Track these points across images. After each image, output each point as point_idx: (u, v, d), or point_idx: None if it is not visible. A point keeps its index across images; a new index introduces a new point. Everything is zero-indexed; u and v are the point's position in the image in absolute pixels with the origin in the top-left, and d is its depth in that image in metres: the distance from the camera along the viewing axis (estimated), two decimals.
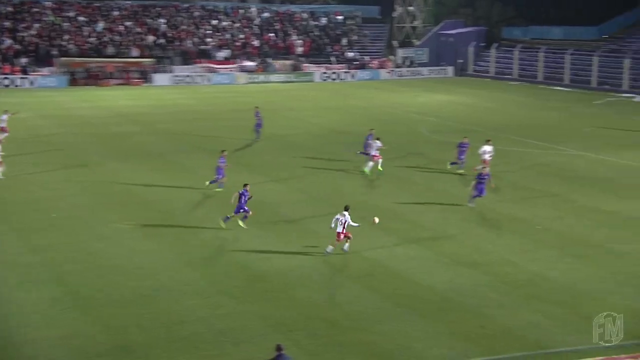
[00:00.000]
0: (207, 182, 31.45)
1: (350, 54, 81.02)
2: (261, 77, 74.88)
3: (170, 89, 68.41)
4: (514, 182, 33.42)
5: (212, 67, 74.52)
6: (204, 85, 71.92)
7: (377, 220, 24.50)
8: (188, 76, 72.95)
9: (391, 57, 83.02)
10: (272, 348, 15.29)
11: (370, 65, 79.93)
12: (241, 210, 26.25)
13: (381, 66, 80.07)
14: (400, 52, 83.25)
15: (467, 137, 35.75)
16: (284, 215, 28.36)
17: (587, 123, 48.88)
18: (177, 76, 72.65)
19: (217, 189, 31.20)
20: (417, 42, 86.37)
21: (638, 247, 24.70)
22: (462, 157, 34.54)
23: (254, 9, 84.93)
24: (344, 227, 23.48)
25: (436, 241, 25.47)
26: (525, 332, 18.57)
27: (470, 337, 18.40)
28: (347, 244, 23.95)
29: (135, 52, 73.64)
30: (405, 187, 32.92)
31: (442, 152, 40.11)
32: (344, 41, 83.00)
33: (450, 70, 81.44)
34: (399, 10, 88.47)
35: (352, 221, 23.58)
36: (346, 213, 23.63)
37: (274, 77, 75.25)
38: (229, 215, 26.38)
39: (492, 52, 80.00)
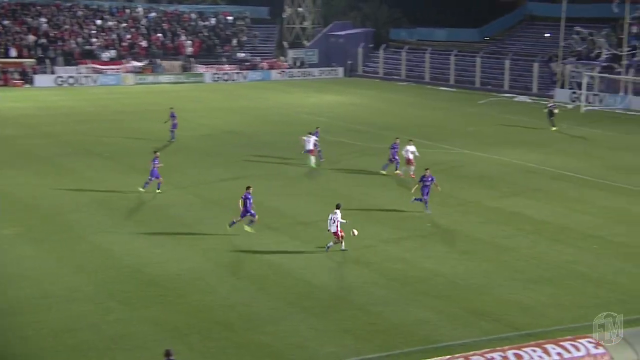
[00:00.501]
0: (140, 188, 30.84)
1: (241, 55, 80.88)
2: (150, 78, 73.66)
3: (53, 91, 66.29)
4: (404, 181, 34.23)
5: (98, 68, 72.71)
6: (89, 87, 70.10)
7: (355, 232, 24.65)
8: (72, 77, 70.92)
9: (282, 58, 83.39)
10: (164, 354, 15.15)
11: (261, 66, 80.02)
12: (247, 214, 25.69)
13: (272, 67, 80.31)
14: (291, 53, 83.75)
15: (399, 137, 36.24)
16: (177, 218, 28.07)
17: (472, 122, 50.59)
18: (60, 77, 70.50)
19: (158, 191, 30.95)
20: (307, 43, 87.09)
21: (521, 241, 25.79)
22: (396, 157, 35.07)
23: (140, 9, 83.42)
24: (337, 226, 24.04)
25: (325, 241, 25.75)
26: (415, 328, 19.11)
27: (361, 334, 18.78)
28: (343, 243, 24.31)
29: (13, 52, 71.02)
30: (296, 187, 33.18)
31: (334, 152, 40.67)
32: (234, 42, 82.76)
33: (340, 71, 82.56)
34: (288, 11, 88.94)
35: (342, 218, 24.15)
36: (337, 211, 24.24)
37: (163, 78, 74.16)
38: (235, 220, 25.86)
39: (381, 53, 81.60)
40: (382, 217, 28.73)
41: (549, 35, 71.90)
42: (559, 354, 13.32)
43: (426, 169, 29.37)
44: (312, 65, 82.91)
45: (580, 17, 69.65)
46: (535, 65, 65.68)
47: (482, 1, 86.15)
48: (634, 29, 60.98)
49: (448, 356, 14.41)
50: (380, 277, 22.48)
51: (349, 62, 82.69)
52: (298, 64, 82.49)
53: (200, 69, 76.77)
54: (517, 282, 22.13)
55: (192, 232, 26.43)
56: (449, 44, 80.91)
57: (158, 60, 76.07)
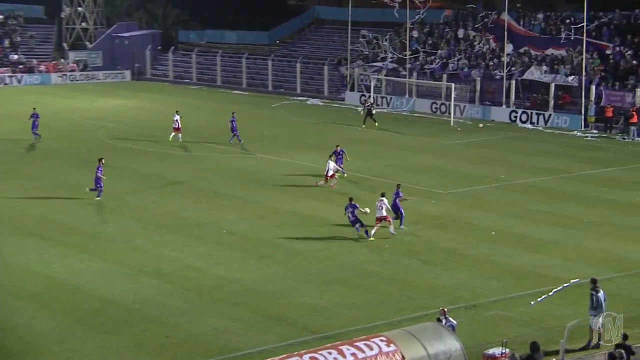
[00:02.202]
0: (95, 196, 30.72)
1: (15, 57, 76.55)
2: None
3: None
4: (200, 187, 34.06)
5: None
6: None
7: (368, 210, 26.67)
8: None
9: (62, 60, 79.94)
10: None
11: (39, 69, 76.22)
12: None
13: (52, 70, 76.74)
14: (72, 55, 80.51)
15: (339, 145, 35.88)
16: None
17: (266, 125, 51.35)
18: None
19: (96, 198, 30.52)
20: (89, 45, 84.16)
21: (313, 244, 26.52)
22: (341, 163, 35.18)
23: None
24: (385, 211, 26.44)
25: (119, 253, 25.16)
26: (211, 338, 19.09)
27: (156, 348, 18.48)
28: (392, 227, 26.72)
29: None
30: (83, 196, 31.97)
31: (122, 158, 39.68)
32: (6, 42, 78.18)
33: (127, 74, 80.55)
34: (67, 10, 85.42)
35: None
36: (384, 198, 26.62)
37: None
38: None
39: (170, 55, 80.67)
40: (175, 224, 28.41)
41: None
42: (353, 354, 13.79)
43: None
44: (96, 69, 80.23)
45: (366, 20, 73.03)
46: (326, 69, 67.87)
47: (271, 4, 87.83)
48: (415, 34, 64.83)
49: None
50: (175, 288, 22.24)
51: (137, 65, 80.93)
52: (81, 66, 79.49)
53: None
54: (312, 284, 22.75)
55: None
56: (240, 46, 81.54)
57: None
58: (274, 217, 29.66)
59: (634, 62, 51.65)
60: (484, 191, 34.07)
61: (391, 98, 60.25)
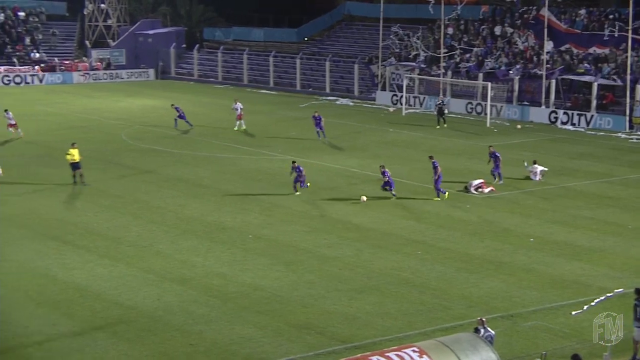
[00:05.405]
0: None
1: (36, 55, 77.50)
2: None
3: None
4: (225, 190, 34.20)
5: None
6: None
7: (364, 198, 29.66)
8: None
9: (84, 58, 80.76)
10: None
11: (61, 67, 77.08)
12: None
13: (74, 68, 77.53)
14: (95, 54, 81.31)
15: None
16: None
17: (294, 127, 51.45)
18: None
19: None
20: (112, 43, 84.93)
21: (343, 250, 26.49)
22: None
23: None
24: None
25: (141, 258, 25.33)
26: (237, 346, 19.13)
27: (180, 357, 18.56)
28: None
29: None
30: (105, 199, 32.27)
31: (146, 160, 39.97)
32: (28, 40, 79.14)
33: (151, 72, 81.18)
34: (89, 7, 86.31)
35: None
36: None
37: None
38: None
39: (195, 53, 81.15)
40: (199, 229, 28.54)
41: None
42: None
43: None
44: (119, 67, 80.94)
45: (398, 17, 72.86)
46: (356, 67, 67.84)
47: (299, 0, 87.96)
48: (450, 30, 64.59)
49: None
50: (199, 294, 22.33)
51: (161, 63, 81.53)
52: (104, 65, 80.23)
53: None
54: (341, 292, 22.71)
55: None
56: (267, 44, 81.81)
57: None
58: (302, 222, 29.67)
59: None
60: (522, 196, 33.82)
61: (424, 98, 60.08)
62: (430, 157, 33.57)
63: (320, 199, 32.97)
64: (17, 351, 18.56)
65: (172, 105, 51.29)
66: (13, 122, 45.61)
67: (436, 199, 32.54)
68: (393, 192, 32.54)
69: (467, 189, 33.82)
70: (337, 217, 30.23)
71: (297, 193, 32.78)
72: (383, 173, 32.62)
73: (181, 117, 49.55)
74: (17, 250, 25.71)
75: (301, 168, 33.37)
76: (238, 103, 49.68)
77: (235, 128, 49.02)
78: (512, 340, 19.46)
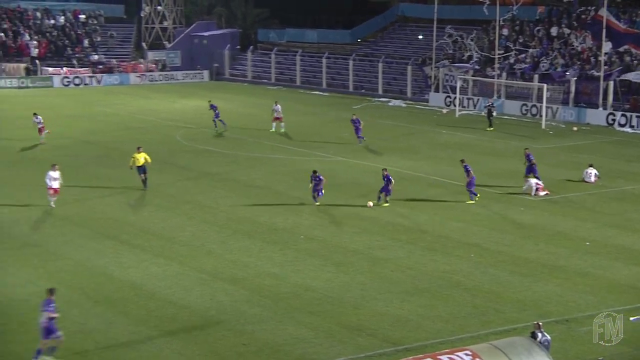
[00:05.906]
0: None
1: (95, 57, 78.88)
2: None
3: None
4: (277, 191, 34.38)
5: None
6: None
7: (371, 204, 29.92)
8: None
9: (141, 60, 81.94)
10: None
11: (118, 69, 78.34)
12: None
13: (131, 70, 78.75)
14: (151, 55, 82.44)
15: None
16: (21, 237, 27.11)
17: (346, 128, 51.42)
18: None
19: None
20: (168, 45, 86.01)
21: (394, 251, 26.43)
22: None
23: None
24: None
25: (194, 257, 25.61)
26: (289, 347, 19.23)
27: (232, 356, 18.72)
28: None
29: None
30: (158, 200, 32.69)
31: (200, 161, 40.40)
32: (87, 42, 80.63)
33: (206, 74, 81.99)
34: (146, 9, 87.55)
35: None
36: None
37: (4, 82, 71.25)
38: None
39: (249, 55, 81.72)
40: (251, 229, 28.73)
41: (421, 37, 74.16)
42: None
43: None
44: (174, 68, 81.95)
45: (452, 18, 72.32)
46: (409, 69, 67.57)
47: (353, 2, 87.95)
48: (505, 31, 63.91)
49: None
50: (251, 295, 22.49)
51: (215, 64, 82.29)
52: (160, 66, 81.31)
53: (49, 72, 74.28)
54: (393, 294, 22.66)
55: (39, 252, 25.58)
56: (320, 45, 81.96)
57: None
58: (353, 223, 29.67)
59: None
60: (578, 198, 33.32)
61: (478, 99, 59.56)
62: (462, 161, 33.34)
63: (372, 200, 32.89)
64: (74, 348, 18.89)
65: (209, 102, 50.80)
66: (42, 125, 44.38)
67: (469, 202, 32.22)
68: (387, 199, 31.84)
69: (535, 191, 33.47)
70: (387, 219, 30.15)
71: (317, 204, 31.94)
72: (385, 177, 31.79)
73: (217, 116, 49.11)
74: (75, 249, 26.21)
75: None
76: (278, 105, 49.29)
77: (272, 130, 48.55)
78: (567, 345, 19.19)
